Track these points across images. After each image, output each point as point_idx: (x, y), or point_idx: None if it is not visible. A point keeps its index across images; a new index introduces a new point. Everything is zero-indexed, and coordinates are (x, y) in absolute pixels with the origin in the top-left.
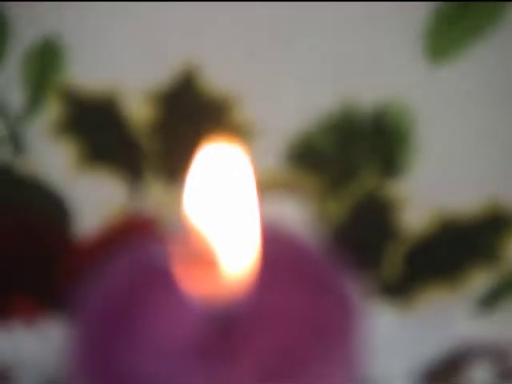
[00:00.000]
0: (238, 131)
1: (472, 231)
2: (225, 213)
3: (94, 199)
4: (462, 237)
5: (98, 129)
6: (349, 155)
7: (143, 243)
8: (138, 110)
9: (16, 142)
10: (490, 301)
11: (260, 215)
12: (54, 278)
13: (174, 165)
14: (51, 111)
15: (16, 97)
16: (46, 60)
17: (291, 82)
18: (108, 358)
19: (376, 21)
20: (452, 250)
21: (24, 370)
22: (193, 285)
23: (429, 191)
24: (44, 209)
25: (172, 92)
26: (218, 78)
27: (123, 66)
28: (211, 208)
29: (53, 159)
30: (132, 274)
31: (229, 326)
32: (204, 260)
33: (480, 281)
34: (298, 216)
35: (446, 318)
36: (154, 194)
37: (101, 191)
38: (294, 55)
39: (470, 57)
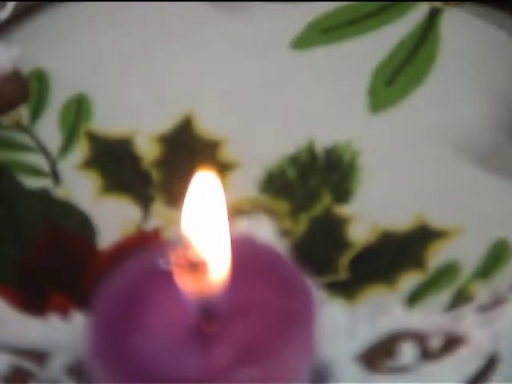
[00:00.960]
0: (225, 165)
1: (404, 242)
2: (209, 227)
3: (114, 218)
4: (396, 246)
5: (117, 164)
6: (309, 184)
7: (150, 251)
8: (148, 148)
9: (55, 174)
10: (417, 297)
11: (231, 230)
12: (82, 279)
13: (175, 191)
14: (81, 150)
15: (55, 139)
16: (77, 110)
17: (267, 129)
18: (119, 343)
19: (332, 84)
20: (388, 256)
21: (57, 355)
22: (186, 283)
23: (371, 211)
24: (75, 225)
25: (174, 135)
26: (209, 124)
27: (136, 115)
28: (200, 224)
29: (82, 187)
30: (140, 273)
31: (213, 315)
32: (195, 264)
33: (409, 281)
34: (270, 229)
35: (383, 310)
36: (159, 214)
37: (119, 211)
38: (270, 108)
39: (400, 107)
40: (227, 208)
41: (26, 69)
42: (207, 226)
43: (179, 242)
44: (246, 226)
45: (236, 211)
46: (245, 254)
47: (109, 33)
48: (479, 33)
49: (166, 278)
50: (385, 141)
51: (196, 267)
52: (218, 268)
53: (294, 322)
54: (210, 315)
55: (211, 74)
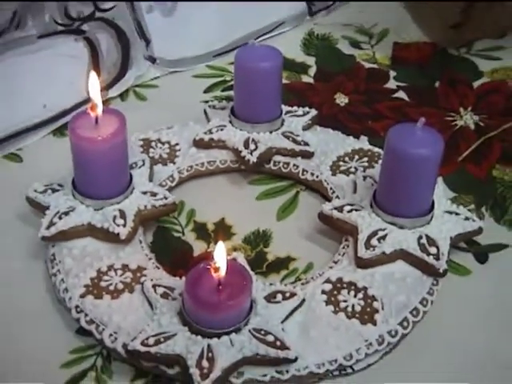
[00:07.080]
0: (231, 233)
1: (282, 261)
2: (222, 257)
3: (198, 248)
4: (280, 262)
5: (200, 231)
6: (257, 241)
7: (207, 261)
8: (210, 227)
9: (183, 232)
10: (284, 279)
11: (228, 256)
12: (187, 267)
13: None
14: (191, 226)
15: (183, 222)
16: (189, 217)
17: (245, 227)
18: (192, 290)
19: (266, 211)
20: (277, 266)
21: (177, 289)
22: (214, 273)
23: (274, 250)
24: (187, 249)
25: (218, 223)
26: (229, 221)
27: (207, 216)
28: (220, 255)
29: (191, 238)
30: (201, 268)
31: (221, 284)
32: (217, 267)
33: (282, 274)
34: (243, 257)
35: (274, 284)
36: (212, 248)
37: (199, 246)
38: (244, 219)
39: (286, 220)
40: (229, 249)
41: (177, 200)
42: (221, 254)
43: (214, 259)
44: (234, 255)
45: (233, 250)
46: (232, 265)
47: (202, 191)
48: (309, 205)
49: (209, 270)
50: (281, 229)
51: (217, 267)
52: (224, 269)
53: (245, 287)
54: (220, 284)
55: (230, 206)
